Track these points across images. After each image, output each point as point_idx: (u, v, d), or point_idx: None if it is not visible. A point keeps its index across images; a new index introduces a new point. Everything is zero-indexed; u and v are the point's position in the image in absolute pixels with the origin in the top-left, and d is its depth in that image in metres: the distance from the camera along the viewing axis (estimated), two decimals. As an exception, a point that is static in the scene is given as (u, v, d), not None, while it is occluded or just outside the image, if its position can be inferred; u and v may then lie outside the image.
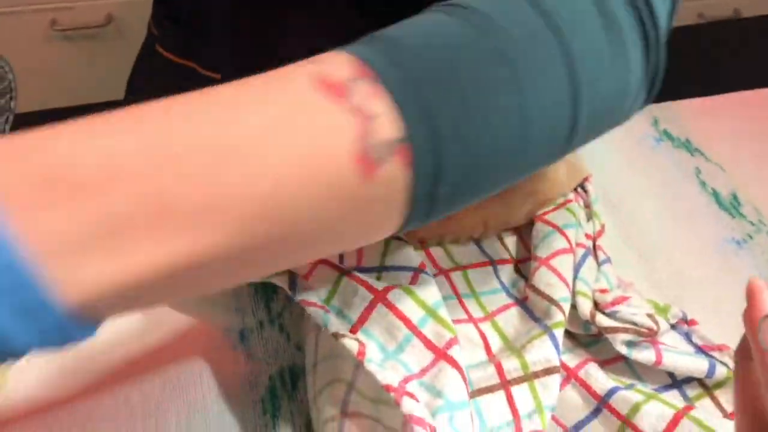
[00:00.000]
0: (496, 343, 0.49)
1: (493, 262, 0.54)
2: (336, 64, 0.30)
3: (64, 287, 0.23)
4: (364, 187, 0.29)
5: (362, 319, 0.43)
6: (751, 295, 0.34)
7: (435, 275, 0.52)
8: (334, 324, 0.41)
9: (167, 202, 0.25)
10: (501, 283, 0.53)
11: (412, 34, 0.32)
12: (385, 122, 0.29)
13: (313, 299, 0.43)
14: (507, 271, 0.54)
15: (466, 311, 0.50)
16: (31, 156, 0.24)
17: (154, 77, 0.82)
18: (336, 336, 0.41)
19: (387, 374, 0.39)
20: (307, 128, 0.28)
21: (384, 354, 0.42)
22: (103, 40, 1.34)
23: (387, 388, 0.39)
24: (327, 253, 0.32)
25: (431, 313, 0.43)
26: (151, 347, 0.49)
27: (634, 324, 0.47)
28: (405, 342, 0.42)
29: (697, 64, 0.74)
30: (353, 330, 0.43)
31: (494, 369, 0.45)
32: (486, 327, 0.49)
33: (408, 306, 0.43)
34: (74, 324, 0.24)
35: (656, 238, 0.58)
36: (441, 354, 0.41)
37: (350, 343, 0.40)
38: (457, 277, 0.52)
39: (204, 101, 0.27)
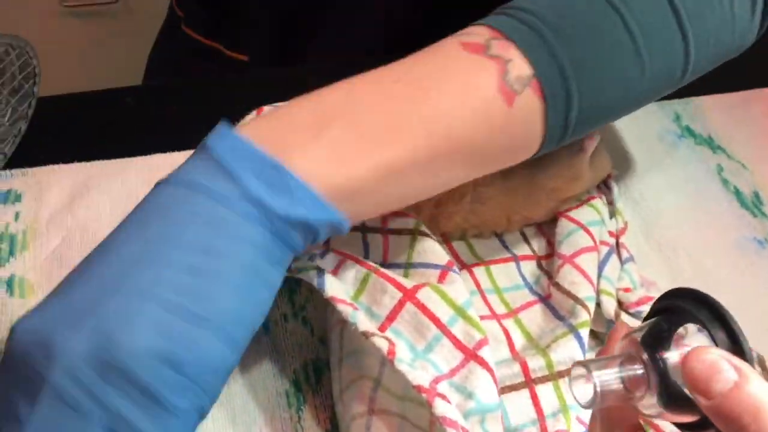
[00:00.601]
0: (519, 340, 0.49)
1: (516, 258, 0.54)
2: (474, 32, 0.41)
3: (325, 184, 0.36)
4: (507, 112, 0.39)
5: (391, 318, 0.43)
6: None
7: (458, 269, 0.52)
8: (364, 322, 0.41)
9: (377, 123, 0.37)
10: (524, 279, 0.53)
11: None
12: (518, 64, 0.40)
13: (342, 296, 0.43)
14: (530, 268, 0.54)
15: (490, 307, 0.50)
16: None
17: (177, 58, 0.81)
18: (366, 335, 0.41)
19: (417, 374, 0.39)
20: (461, 72, 0.39)
21: (413, 353, 0.42)
22: (114, 17, 1.34)
23: (418, 389, 0.39)
24: (481, 172, 0.43)
25: (461, 312, 0.43)
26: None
27: (659, 324, 0.47)
28: (434, 341, 0.42)
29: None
30: (381, 328, 0.42)
31: (519, 367, 0.45)
32: (509, 324, 0.50)
33: (437, 305, 0.43)
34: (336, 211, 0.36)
35: (678, 236, 0.58)
36: (471, 354, 0.42)
37: (380, 342, 0.40)
38: (479, 272, 0.52)
39: (386, 67, 0.39)
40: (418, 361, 0.41)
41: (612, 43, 0.42)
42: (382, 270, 0.44)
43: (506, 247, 0.55)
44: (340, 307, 0.42)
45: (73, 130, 0.64)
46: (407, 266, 0.47)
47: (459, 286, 0.45)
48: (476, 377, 0.41)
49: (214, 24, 0.78)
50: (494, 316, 0.50)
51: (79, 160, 0.60)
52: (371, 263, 0.45)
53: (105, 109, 0.65)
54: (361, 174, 0.37)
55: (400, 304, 0.43)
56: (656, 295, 0.50)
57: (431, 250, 0.47)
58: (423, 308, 0.42)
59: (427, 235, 0.47)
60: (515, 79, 0.39)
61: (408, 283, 0.44)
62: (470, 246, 0.54)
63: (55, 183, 0.58)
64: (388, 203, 0.40)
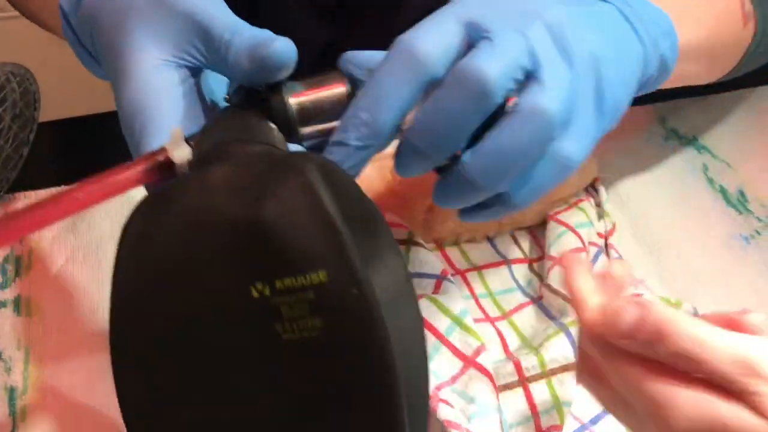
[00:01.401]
0: (513, 341, 0.50)
1: (508, 262, 0.55)
2: None
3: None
4: (742, 31, 0.54)
5: None
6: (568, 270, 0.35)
7: (452, 275, 0.53)
8: None
9: (691, 21, 0.47)
10: (516, 282, 0.54)
11: None
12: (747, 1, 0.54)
13: None
14: (522, 271, 0.55)
15: (483, 311, 0.52)
16: None
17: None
18: None
19: None
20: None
21: None
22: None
23: None
24: (717, 75, 0.58)
25: (458, 321, 0.45)
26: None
27: (647, 320, 0.49)
28: (434, 351, 0.44)
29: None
30: None
31: (513, 367, 0.47)
32: (503, 326, 0.51)
33: (435, 316, 0.45)
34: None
35: (666, 235, 0.59)
36: (470, 362, 0.44)
37: None
38: (473, 277, 0.54)
39: None
40: None
41: None
42: None
43: (498, 252, 0.56)
44: None
45: (74, 153, 0.65)
46: None
47: (454, 294, 0.47)
48: (476, 383, 0.43)
49: None
50: (488, 319, 0.51)
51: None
52: None
53: (106, 132, 0.66)
54: None
55: None
56: (644, 292, 0.52)
57: (425, 259, 0.48)
58: None
59: (420, 245, 0.49)
60: (749, 10, 0.54)
61: None
62: (463, 252, 0.56)
63: (58, 204, 0.60)
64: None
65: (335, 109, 0.35)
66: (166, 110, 0.36)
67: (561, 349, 0.47)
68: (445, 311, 0.45)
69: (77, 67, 0.60)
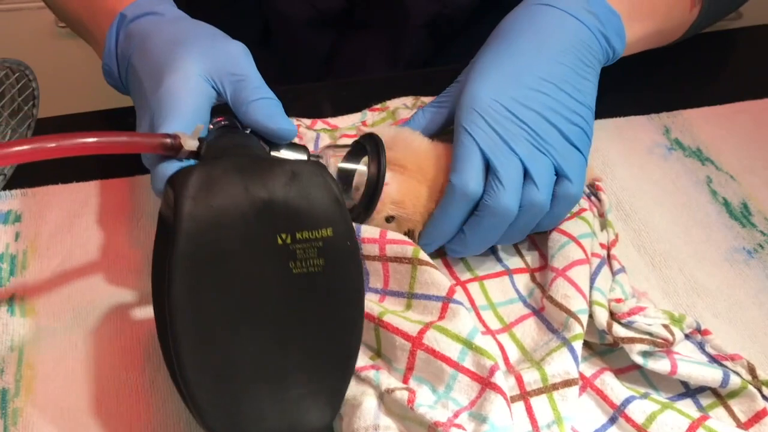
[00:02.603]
0: (514, 354, 0.50)
1: (510, 272, 0.55)
2: None
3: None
4: (688, 14, 0.65)
5: (410, 367, 0.46)
6: None
7: (453, 285, 0.53)
8: (384, 381, 0.45)
9: (645, 14, 0.61)
10: (518, 292, 0.54)
11: None
12: None
13: (363, 362, 0.46)
14: (523, 281, 0.54)
15: (484, 324, 0.51)
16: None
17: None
18: (388, 391, 0.44)
19: (436, 413, 0.42)
20: None
21: (436, 396, 0.45)
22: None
23: (436, 424, 0.42)
24: (663, 42, 0.67)
25: (468, 344, 0.45)
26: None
27: (650, 335, 0.48)
28: (452, 380, 0.45)
29: (708, 73, 0.74)
30: (405, 379, 0.46)
31: (515, 381, 0.46)
32: (504, 338, 0.50)
33: (445, 344, 0.45)
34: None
35: (669, 247, 0.59)
36: (486, 383, 0.44)
37: (401, 394, 0.44)
38: (474, 288, 0.53)
39: None
40: (440, 401, 0.45)
41: None
42: (386, 320, 0.47)
43: (499, 261, 0.56)
44: (364, 374, 0.46)
45: (71, 150, 0.64)
46: (409, 296, 0.49)
47: (462, 317, 0.47)
48: (490, 403, 0.43)
49: None
50: (489, 331, 0.51)
51: (78, 181, 0.61)
52: (375, 313, 0.47)
53: (106, 129, 0.66)
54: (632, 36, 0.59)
55: (413, 355, 0.46)
56: (647, 305, 0.51)
57: (431, 280, 0.48)
58: (433, 352, 0.45)
59: (426, 264, 0.48)
60: None
61: (412, 328, 0.46)
62: (465, 261, 0.55)
63: (55, 203, 0.59)
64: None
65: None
66: (192, 105, 0.48)
67: (563, 364, 0.46)
68: (455, 337, 0.45)
69: (77, 63, 0.60)
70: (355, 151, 0.52)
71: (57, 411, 0.48)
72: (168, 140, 0.44)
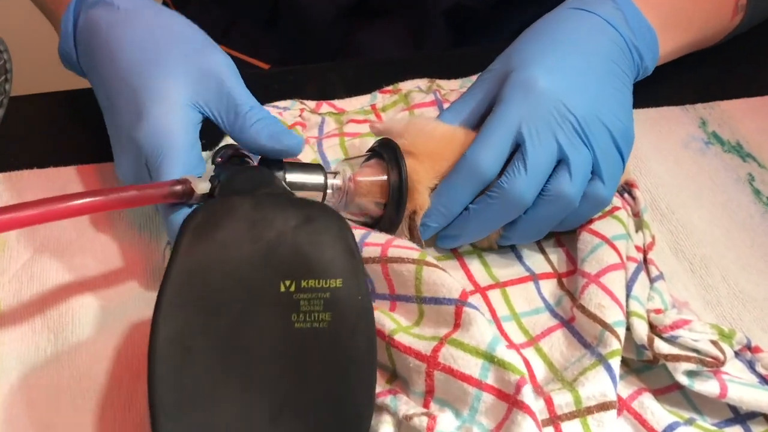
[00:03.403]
0: (541, 371, 0.44)
1: (535, 277, 0.49)
2: None
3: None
4: (729, 22, 0.62)
5: (430, 391, 0.41)
6: None
7: (471, 293, 0.47)
8: (402, 407, 0.40)
9: (680, 27, 0.58)
10: (544, 300, 0.48)
11: None
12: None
13: (379, 388, 0.41)
14: (550, 287, 0.49)
15: (506, 337, 0.45)
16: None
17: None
18: (407, 418, 0.39)
19: None
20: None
21: (460, 420, 0.40)
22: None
23: None
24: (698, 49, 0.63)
25: (489, 358, 0.40)
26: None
27: (697, 352, 0.42)
28: (476, 401, 0.40)
29: (747, 61, 0.68)
30: (426, 404, 0.41)
31: (543, 403, 0.40)
32: (530, 353, 0.45)
33: (464, 361, 0.40)
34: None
35: (709, 251, 0.53)
36: (513, 401, 0.39)
37: (419, 421, 0.39)
38: (495, 296, 0.47)
39: None
40: (464, 426, 0.40)
41: None
42: (397, 339, 0.42)
43: (523, 263, 0.50)
44: (380, 401, 0.40)
45: (50, 131, 0.59)
46: (418, 300, 0.43)
47: (479, 323, 0.41)
48: (518, 426, 0.38)
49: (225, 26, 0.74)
50: (512, 345, 0.45)
51: (56, 165, 0.55)
52: (386, 330, 0.42)
53: (87, 108, 0.60)
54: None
55: (429, 375, 0.41)
56: (690, 317, 0.45)
57: (440, 282, 0.43)
58: (451, 371, 0.40)
59: (433, 266, 0.43)
60: (741, 5, 0.62)
61: (425, 346, 0.41)
62: (485, 264, 0.49)
63: (29, 189, 0.53)
64: None
65: (311, 192, 0.46)
66: (187, 141, 0.45)
67: (599, 385, 0.41)
68: (474, 351, 0.40)
69: (53, 37, 0.54)
70: (372, 161, 0.49)
71: (26, 422, 0.42)
72: (178, 187, 0.41)
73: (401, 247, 0.44)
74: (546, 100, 0.46)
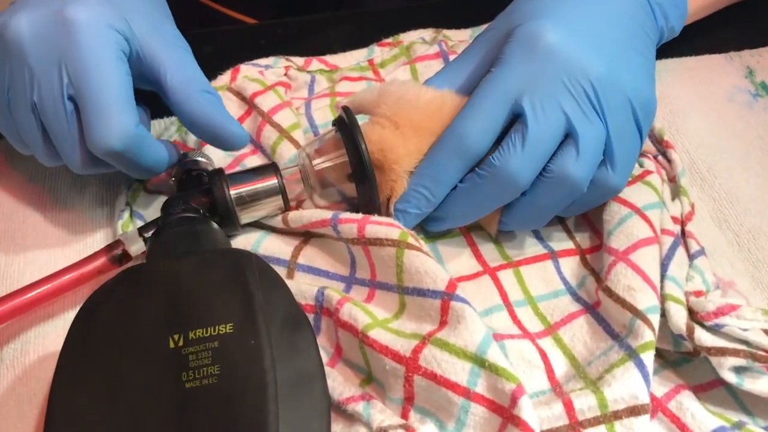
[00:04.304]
0: (561, 365, 0.37)
1: (554, 254, 0.42)
2: None
3: None
4: None
5: (409, 397, 0.35)
6: None
7: (478, 274, 0.41)
8: (377, 416, 0.34)
9: None
10: (564, 281, 0.41)
11: None
12: None
13: (350, 392, 0.35)
14: (571, 266, 0.42)
15: (520, 325, 0.39)
16: None
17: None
18: (382, 430, 0.34)
19: None
20: None
21: None
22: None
23: None
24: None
25: (479, 362, 0.34)
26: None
27: (747, 344, 0.36)
28: (462, 413, 0.33)
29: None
30: (404, 413, 0.35)
31: (562, 407, 0.34)
32: (547, 344, 0.38)
33: (449, 365, 0.34)
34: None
35: (759, 221, 0.46)
36: (508, 416, 0.32)
37: None
38: (506, 277, 0.41)
39: None
40: None
41: None
42: (372, 336, 0.36)
43: (540, 239, 0.43)
44: (351, 407, 0.35)
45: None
46: (400, 290, 0.37)
47: (469, 319, 0.35)
48: None
49: None
50: (526, 334, 0.38)
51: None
52: (359, 326, 0.36)
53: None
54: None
55: (408, 382, 0.35)
56: (736, 301, 0.38)
57: (424, 269, 0.37)
58: (434, 377, 0.34)
59: (417, 249, 0.37)
60: None
61: (405, 345, 0.35)
62: (496, 241, 0.43)
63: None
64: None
65: (268, 198, 0.41)
66: (122, 81, 0.38)
67: (628, 385, 0.34)
68: (461, 353, 0.34)
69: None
70: (330, 137, 0.42)
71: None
72: (117, 251, 0.40)
73: (379, 223, 0.38)
74: (554, 60, 0.39)
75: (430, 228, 0.42)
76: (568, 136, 0.39)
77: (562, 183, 0.39)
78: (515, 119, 0.39)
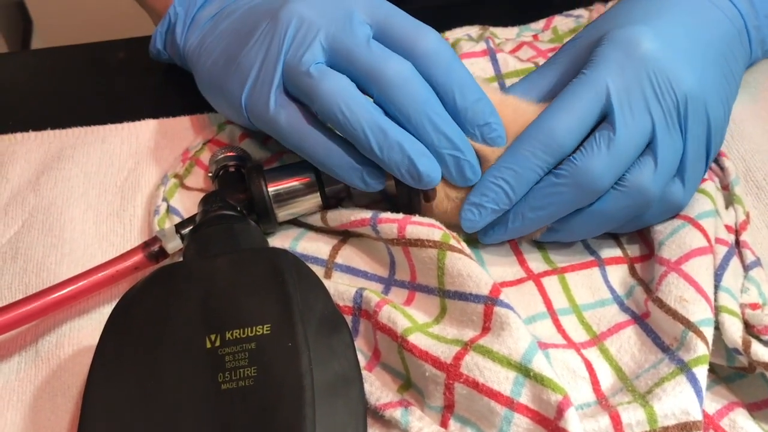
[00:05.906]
0: (607, 377, 0.36)
1: (601, 262, 0.41)
2: None
3: None
4: None
5: (449, 405, 0.34)
6: None
7: (521, 280, 0.39)
8: (415, 424, 0.33)
9: None
10: (611, 290, 0.40)
11: None
12: None
13: (387, 397, 0.35)
14: (619, 275, 0.40)
15: (564, 335, 0.37)
16: None
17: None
18: None
19: None
20: None
21: None
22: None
23: None
24: None
25: (524, 371, 0.33)
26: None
27: (807, 361, 0.34)
28: (505, 424, 0.32)
29: None
30: (444, 420, 0.34)
31: (609, 421, 0.33)
32: (593, 354, 0.37)
33: (492, 373, 0.33)
34: None
35: (818, 232, 0.43)
36: (554, 428, 0.31)
37: None
38: (551, 284, 0.39)
39: None
40: None
41: None
42: (411, 340, 0.35)
43: (587, 246, 0.42)
44: (389, 413, 0.34)
45: (48, 90, 0.53)
46: (441, 293, 0.36)
47: (514, 327, 0.34)
48: None
49: None
50: (571, 344, 0.37)
51: (54, 127, 0.49)
52: (398, 329, 0.35)
53: (90, 65, 0.54)
54: None
55: (449, 389, 0.33)
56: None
57: (467, 273, 0.36)
58: (475, 385, 0.33)
59: (459, 251, 0.36)
60: None
61: (446, 351, 0.34)
62: (540, 246, 0.41)
63: (22, 154, 0.48)
64: None
65: (307, 195, 0.41)
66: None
67: (681, 400, 0.33)
68: (505, 362, 0.33)
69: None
70: None
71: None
72: (154, 248, 0.40)
73: (420, 224, 0.37)
74: (649, 65, 0.38)
75: (486, 238, 0.40)
76: (648, 147, 0.38)
77: (635, 195, 0.37)
78: (601, 120, 0.38)
